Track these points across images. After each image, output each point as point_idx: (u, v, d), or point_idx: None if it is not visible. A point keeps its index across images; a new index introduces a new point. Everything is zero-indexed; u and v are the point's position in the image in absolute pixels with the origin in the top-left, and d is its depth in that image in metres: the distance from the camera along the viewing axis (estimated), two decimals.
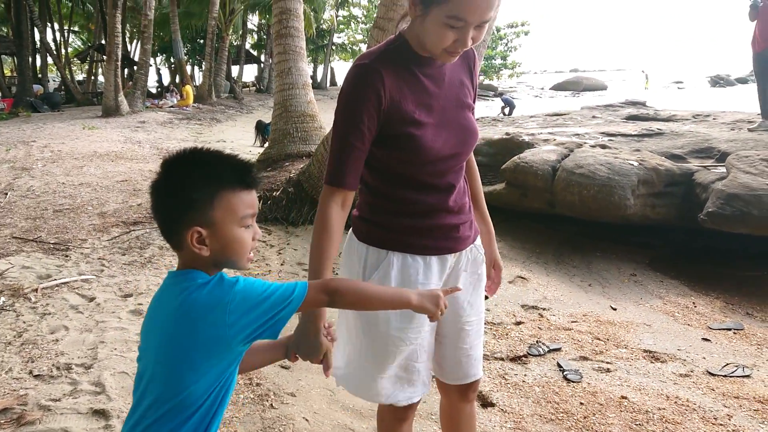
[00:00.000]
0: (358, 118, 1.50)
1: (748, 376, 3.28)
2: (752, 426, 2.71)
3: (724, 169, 5.53)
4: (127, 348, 3.16)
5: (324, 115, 8.17)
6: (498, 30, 33.83)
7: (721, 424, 2.71)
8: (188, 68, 30.81)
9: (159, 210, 1.21)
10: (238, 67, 32.65)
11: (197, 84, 25.79)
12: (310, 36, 21.21)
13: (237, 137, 13.71)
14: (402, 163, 1.59)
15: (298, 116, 7.29)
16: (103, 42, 22.33)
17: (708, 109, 9.43)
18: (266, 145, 12.42)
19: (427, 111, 1.57)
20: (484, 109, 21.74)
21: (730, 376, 3.26)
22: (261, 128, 12.70)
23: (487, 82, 37.14)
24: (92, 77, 30.51)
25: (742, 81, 40.06)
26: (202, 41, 29.03)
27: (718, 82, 40.72)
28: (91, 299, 3.83)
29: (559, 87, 38.57)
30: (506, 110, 20.49)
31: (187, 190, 1.15)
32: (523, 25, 34.00)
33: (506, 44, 34.57)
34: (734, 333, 4.05)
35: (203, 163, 1.19)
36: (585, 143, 6.44)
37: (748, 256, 5.59)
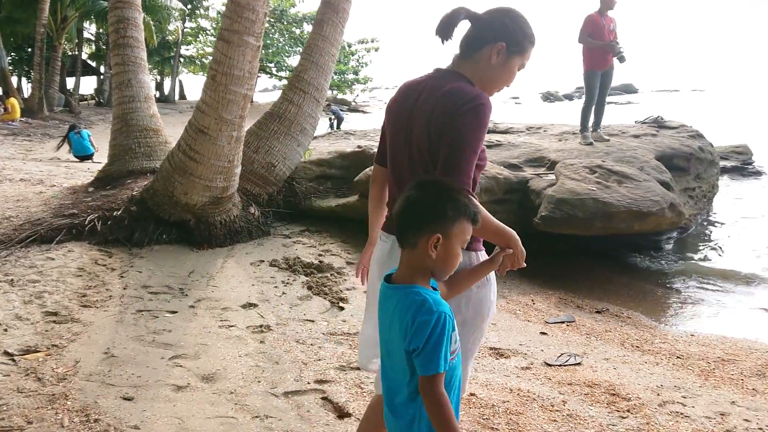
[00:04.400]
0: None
1: (579, 364, 3.60)
2: (583, 408, 2.98)
3: (554, 177, 6.07)
4: None
5: (172, 130, 7.80)
6: (349, 46, 34.41)
7: (557, 410, 2.94)
8: (14, 79, 27.91)
9: (417, 209, 1.52)
10: (74, 78, 30.19)
11: (25, 96, 23.44)
12: (152, 47, 20.08)
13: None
14: None
15: (140, 131, 6.86)
16: None
17: (540, 122, 10.31)
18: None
19: None
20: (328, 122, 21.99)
21: (564, 365, 3.56)
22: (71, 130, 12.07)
23: (340, 96, 37.69)
24: None
25: (569, 97, 44.49)
26: (30, 50, 26.43)
27: (548, 97, 44.77)
28: None
29: None
30: (335, 122, 20.87)
31: (447, 205, 1.51)
32: (372, 41, 34.89)
33: (358, 60, 35.28)
34: (567, 325, 4.44)
35: (458, 193, 1.56)
36: None
37: (577, 254, 6.17)
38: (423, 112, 1.80)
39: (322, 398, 2.97)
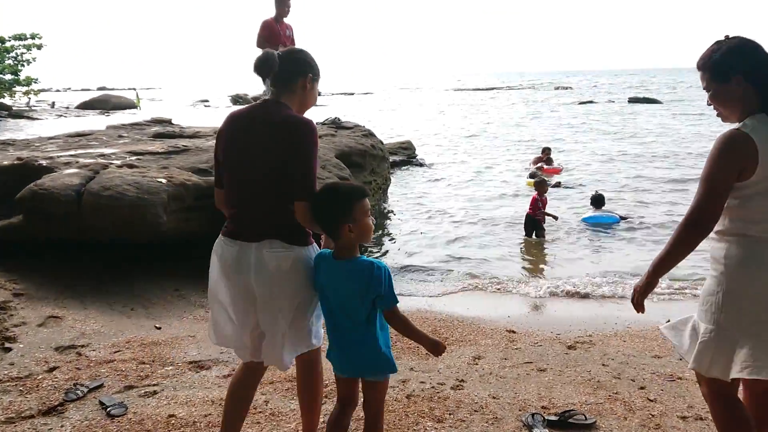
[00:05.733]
0: None
1: None
2: (285, 404, 3.09)
3: None
4: None
5: None
6: (3, 42, 29.53)
7: (260, 411, 3.00)
8: None
9: (326, 214, 2.13)
10: None
11: None
12: None
13: None
14: None
15: None
16: None
17: None
18: None
19: None
20: None
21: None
22: None
23: None
24: None
25: (257, 99, 45.45)
26: None
27: (238, 100, 45.15)
28: None
29: (86, 105, 36.27)
30: None
31: (343, 200, 2.12)
32: (33, 37, 30.41)
33: (16, 58, 30.41)
34: None
35: (345, 188, 2.22)
36: (111, 164, 6.20)
37: None
38: (262, 139, 2.21)
39: None
